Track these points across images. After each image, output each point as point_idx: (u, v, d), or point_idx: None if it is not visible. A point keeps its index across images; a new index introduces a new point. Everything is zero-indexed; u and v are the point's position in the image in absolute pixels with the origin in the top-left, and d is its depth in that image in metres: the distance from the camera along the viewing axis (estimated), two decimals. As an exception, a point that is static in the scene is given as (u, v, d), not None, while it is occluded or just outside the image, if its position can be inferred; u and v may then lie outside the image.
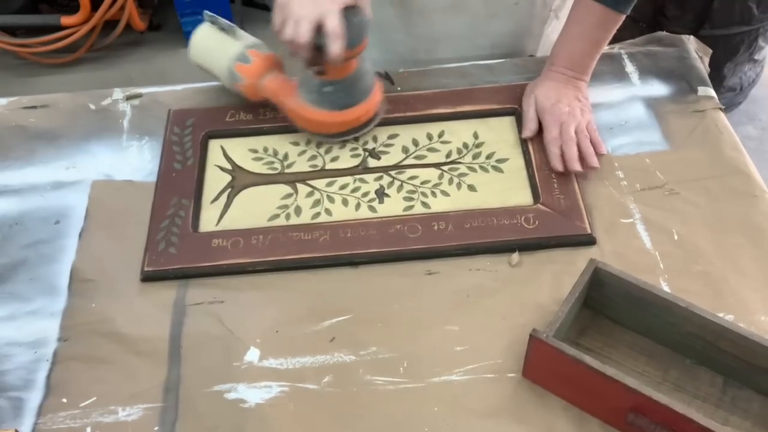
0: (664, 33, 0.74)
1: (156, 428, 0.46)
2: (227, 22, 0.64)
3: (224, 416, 0.47)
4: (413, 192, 0.60)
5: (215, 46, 0.63)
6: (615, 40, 0.76)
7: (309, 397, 0.48)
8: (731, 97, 1.48)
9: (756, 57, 1.42)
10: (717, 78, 1.37)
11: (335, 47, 0.52)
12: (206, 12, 0.64)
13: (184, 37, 1.77)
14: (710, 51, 0.73)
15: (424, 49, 0.72)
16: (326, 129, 0.62)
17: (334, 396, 0.48)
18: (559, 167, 0.59)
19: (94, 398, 0.48)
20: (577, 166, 0.58)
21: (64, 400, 0.48)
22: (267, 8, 1.87)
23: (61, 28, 1.61)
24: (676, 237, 0.56)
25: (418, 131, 0.65)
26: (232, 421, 0.47)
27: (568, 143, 0.60)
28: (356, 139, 0.65)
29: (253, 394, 0.48)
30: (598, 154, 0.60)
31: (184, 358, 0.50)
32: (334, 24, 0.51)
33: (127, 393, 0.48)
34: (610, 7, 0.59)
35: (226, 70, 0.62)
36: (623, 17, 0.61)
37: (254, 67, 0.62)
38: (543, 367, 0.47)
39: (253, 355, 0.50)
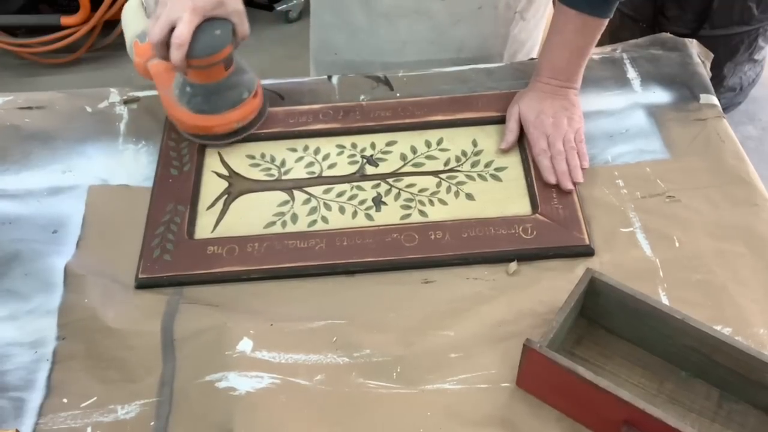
0: (668, 35, 0.73)
1: (152, 423, 0.47)
2: None
3: (214, 405, 0.47)
4: (411, 200, 0.60)
5: (130, 19, 0.64)
6: (616, 40, 0.76)
7: (300, 391, 0.48)
8: (731, 97, 1.48)
9: (756, 57, 1.42)
10: (717, 78, 1.36)
11: (174, 54, 0.54)
12: None
13: (185, 36, 1.76)
14: (712, 56, 0.72)
15: (391, 51, 0.73)
16: (181, 126, 0.63)
17: (325, 394, 0.48)
18: (552, 180, 0.59)
19: (95, 398, 0.48)
20: (569, 185, 0.58)
21: (65, 401, 0.48)
22: (267, 8, 1.87)
23: (61, 28, 1.61)
24: (677, 244, 0.56)
25: (417, 138, 0.65)
26: (222, 409, 0.47)
27: (557, 158, 0.59)
28: (354, 146, 0.65)
29: (244, 383, 0.48)
30: (582, 168, 0.60)
31: (178, 350, 0.50)
32: (179, 31, 0.53)
33: (126, 391, 0.48)
34: (586, 13, 0.59)
35: (128, 45, 0.64)
36: (604, 22, 0.60)
37: (145, 47, 0.62)
38: (536, 377, 0.46)
39: (245, 345, 0.50)
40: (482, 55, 0.73)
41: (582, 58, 0.62)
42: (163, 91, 0.62)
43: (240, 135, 0.63)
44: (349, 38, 0.74)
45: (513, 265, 0.55)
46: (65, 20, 1.61)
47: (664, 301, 0.52)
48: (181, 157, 0.63)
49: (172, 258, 0.55)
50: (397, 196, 0.60)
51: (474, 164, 0.62)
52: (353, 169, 0.62)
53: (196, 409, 0.47)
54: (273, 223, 0.58)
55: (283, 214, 0.59)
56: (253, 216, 0.59)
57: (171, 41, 0.53)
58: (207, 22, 0.55)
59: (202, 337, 0.51)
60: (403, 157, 0.63)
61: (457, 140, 0.64)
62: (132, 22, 0.64)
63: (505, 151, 0.63)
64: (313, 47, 0.80)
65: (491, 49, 0.74)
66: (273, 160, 0.64)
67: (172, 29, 0.53)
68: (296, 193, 0.61)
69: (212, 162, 0.64)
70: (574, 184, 0.59)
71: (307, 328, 0.51)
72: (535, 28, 0.77)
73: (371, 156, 0.63)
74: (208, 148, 0.65)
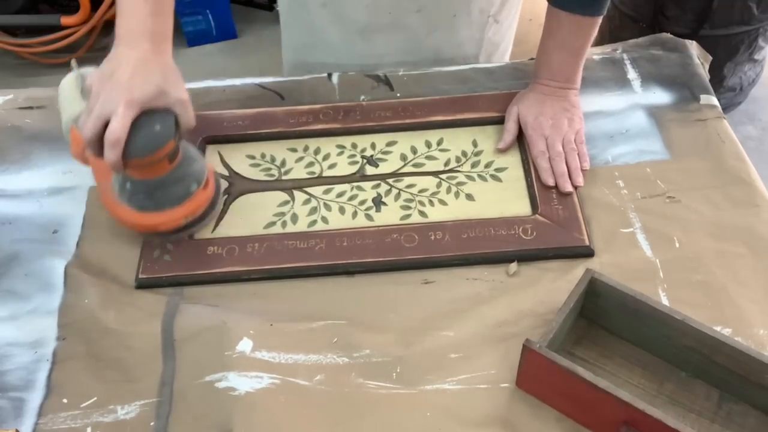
0: (668, 36, 0.74)
1: (152, 423, 0.47)
2: (90, 72, 0.55)
3: (214, 405, 0.47)
4: (411, 200, 0.60)
5: (65, 99, 0.56)
6: (616, 40, 0.76)
7: (300, 391, 0.48)
8: (731, 97, 1.48)
9: (756, 57, 1.42)
10: (717, 78, 1.37)
11: (108, 154, 0.47)
12: (74, 61, 0.57)
13: (184, 36, 1.76)
14: (711, 58, 0.73)
15: (367, 65, 0.72)
16: (123, 224, 0.56)
17: (325, 394, 0.48)
18: (550, 182, 0.59)
19: (95, 398, 0.48)
20: (568, 187, 0.58)
21: (65, 401, 0.48)
22: (267, 8, 1.87)
23: (61, 28, 1.61)
24: (677, 244, 0.56)
25: (417, 139, 0.65)
26: (222, 409, 0.47)
27: (556, 159, 0.59)
28: (354, 146, 0.64)
29: (243, 383, 0.48)
30: (582, 169, 0.60)
31: (178, 350, 0.50)
32: (113, 127, 0.46)
33: (126, 391, 0.48)
34: (578, 14, 0.59)
35: (64, 129, 0.56)
36: (598, 20, 0.60)
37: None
38: (536, 377, 0.46)
39: (245, 345, 0.50)
40: (457, 59, 0.73)
41: (579, 58, 0.62)
42: (103, 185, 0.55)
43: (189, 230, 0.56)
44: (323, 56, 0.73)
45: (513, 266, 0.55)
46: (65, 20, 1.61)
47: (664, 301, 0.52)
48: (181, 157, 0.63)
49: (172, 258, 0.55)
50: (397, 197, 0.60)
51: (474, 165, 0.62)
52: (353, 169, 0.62)
53: (195, 410, 0.47)
54: (273, 224, 0.58)
55: (283, 214, 0.59)
56: (253, 216, 0.59)
57: (104, 139, 0.46)
58: (145, 116, 0.48)
59: (201, 337, 0.51)
60: (404, 157, 0.63)
61: (458, 141, 0.64)
62: (68, 102, 0.56)
63: (502, 151, 0.63)
64: (287, 65, 0.79)
65: (466, 54, 0.74)
66: (273, 160, 0.64)
67: (106, 124, 0.47)
68: (296, 193, 0.61)
69: (212, 162, 0.64)
70: (574, 186, 0.59)
71: (307, 328, 0.51)
72: (508, 29, 0.77)
73: (371, 156, 0.63)
74: (208, 148, 0.65)
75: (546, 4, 0.61)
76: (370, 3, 0.67)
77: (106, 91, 0.47)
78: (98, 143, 0.47)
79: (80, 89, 0.55)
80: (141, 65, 0.48)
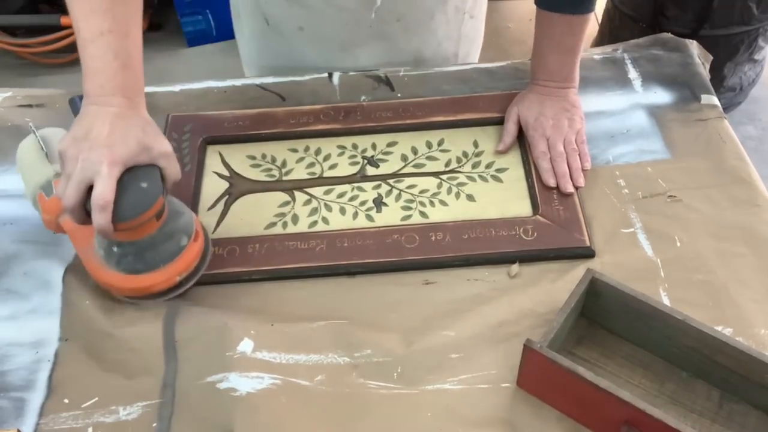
0: (669, 35, 0.74)
1: (154, 425, 0.47)
2: (53, 131, 0.53)
3: (215, 406, 0.47)
4: (411, 201, 0.60)
5: (28, 165, 0.53)
6: (616, 40, 0.76)
7: (301, 392, 0.48)
8: (731, 97, 1.48)
9: (756, 57, 1.42)
10: (717, 78, 1.37)
11: (97, 218, 0.44)
12: (31, 124, 0.55)
13: (185, 36, 1.77)
14: (711, 58, 0.73)
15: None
16: (111, 290, 0.52)
17: (326, 394, 0.48)
18: (552, 182, 0.59)
19: (96, 399, 0.48)
20: (569, 187, 0.58)
21: (66, 401, 0.48)
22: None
23: (61, 28, 1.61)
24: (678, 244, 0.56)
25: (418, 139, 0.64)
26: (223, 410, 0.47)
27: (557, 160, 0.59)
28: (355, 147, 0.64)
29: (244, 383, 0.48)
30: (583, 169, 0.60)
31: (179, 351, 0.50)
32: (100, 191, 0.43)
33: (128, 392, 0.48)
34: (570, 14, 0.59)
35: (31, 197, 0.54)
36: (589, 17, 0.60)
37: (52, 201, 0.51)
38: (537, 377, 0.46)
39: (246, 345, 0.50)
40: (437, 59, 0.73)
41: (575, 57, 0.62)
42: (83, 251, 0.52)
43: (184, 287, 0.52)
44: (301, 74, 0.71)
45: (515, 268, 0.54)
46: (65, 20, 1.61)
47: (665, 301, 0.52)
48: (182, 157, 0.63)
49: (173, 259, 0.55)
50: (398, 197, 0.60)
51: (475, 165, 0.62)
52: (354, 169, 0.62)
53: (197, 411, 0.47)
54: (274, 224, 0.58)
55: (283, 215, 0.59)
56: (253, 217, 0.59)
57: (91, 203, 0.44)
58: (129, 174, 0.45)
59: (203, 337, 0.51)
60: (404, 157, 0.63)
61: (458, 141, 0.64)
62: (31, 169, 0.53)
63: (502, 153, 0.63)
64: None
65: (445, 53, 0.74)
66: (274, 160, 0.64)
67: (88, 188, 0.44)
68: (297, 193, 0.61)
69: (213, 162, 0.64)
70: (575, 186, 0.59)
71: (308, 328, 0.51)
72: (480, 23, 0.77)
73: (372, 157, 0.63)
74: (209, 149, 0.65)
75: None
76: (349, 20, 0.67)
77: (84, 152, 0.44)
78: (82, 211, 0.45)
79: (44, 153, 0.53)
80: (118, 121, 0.45)
